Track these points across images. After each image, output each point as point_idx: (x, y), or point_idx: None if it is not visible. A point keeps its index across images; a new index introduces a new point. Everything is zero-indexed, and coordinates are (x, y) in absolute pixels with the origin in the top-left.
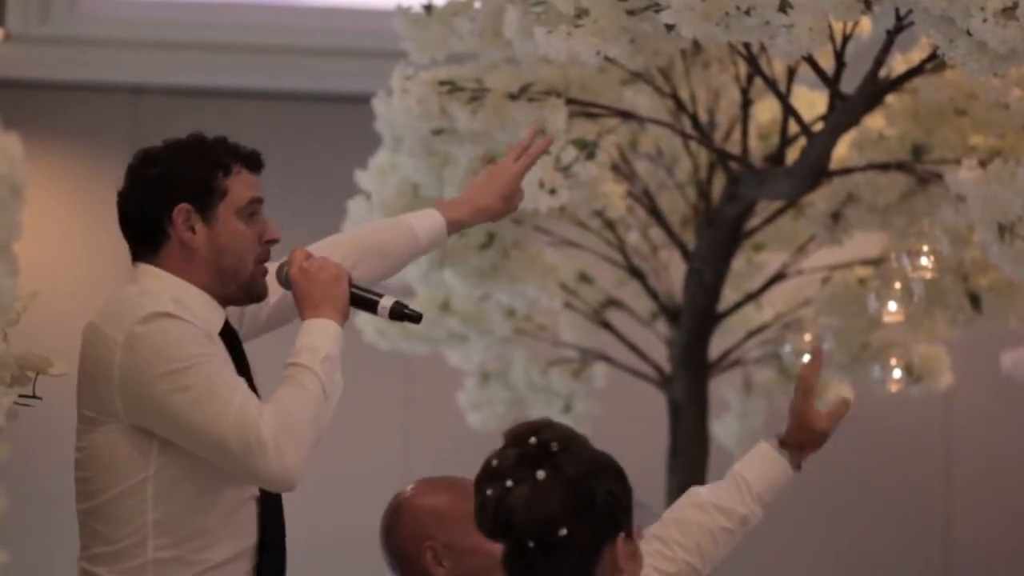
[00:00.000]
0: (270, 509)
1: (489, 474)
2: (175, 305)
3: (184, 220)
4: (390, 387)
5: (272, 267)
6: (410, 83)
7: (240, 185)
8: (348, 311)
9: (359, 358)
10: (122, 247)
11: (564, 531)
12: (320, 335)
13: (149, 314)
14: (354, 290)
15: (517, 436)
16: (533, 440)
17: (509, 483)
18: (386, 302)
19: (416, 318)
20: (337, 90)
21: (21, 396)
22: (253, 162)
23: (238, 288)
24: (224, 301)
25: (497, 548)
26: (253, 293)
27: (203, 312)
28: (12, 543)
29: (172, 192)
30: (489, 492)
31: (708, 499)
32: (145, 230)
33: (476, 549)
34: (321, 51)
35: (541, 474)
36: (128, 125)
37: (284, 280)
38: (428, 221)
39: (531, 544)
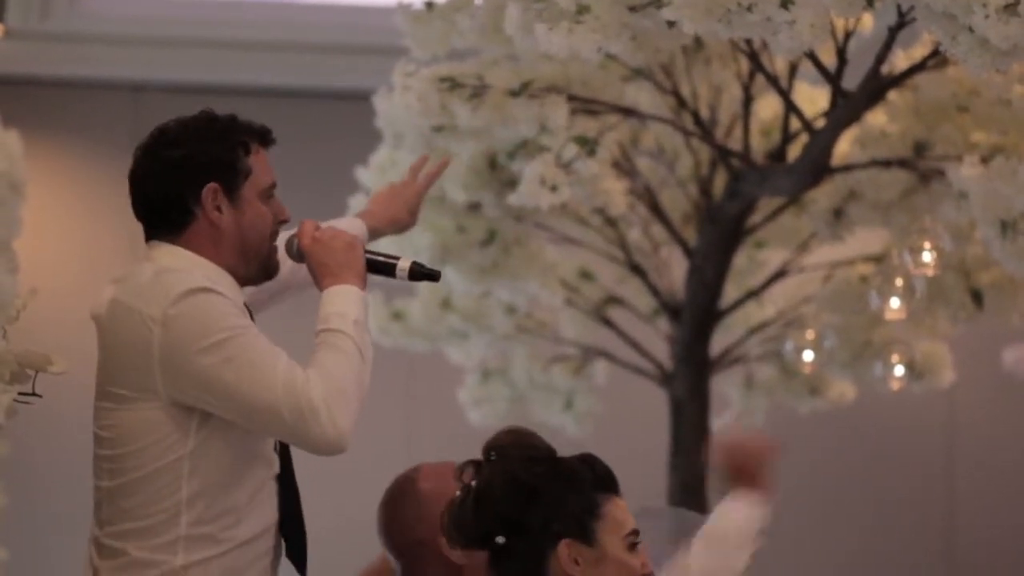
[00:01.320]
0: (288, 488)
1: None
2: (208, 281)
3: (212, 200)
4: (392, 384)
5: (280, 242)
6: (411, 80)
7: (260, 165)
8: (366, 277)
9: None
10: (122, 243)
11: (501, 539)
12: (346, 300)
13: (186, 290)
14: (369, 255)
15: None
16: (485, 449)
17: (458, 492)
18: (404, 263)
19: (435, 276)
20: (338, 87)
21: (20, 394)
22: (268, 139)
23: (258, 266)
24: (242, 281)
25: None
26: (270, 271)
27: (230, 289)
28: (11, 540)
29: (199, 172)
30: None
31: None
32: (169, 211)
33: None
34: (322, 48)
35: (473, 483)
36: (129, 122)
37: (296, 253)
38: (355, 230)
39: (488, 551)
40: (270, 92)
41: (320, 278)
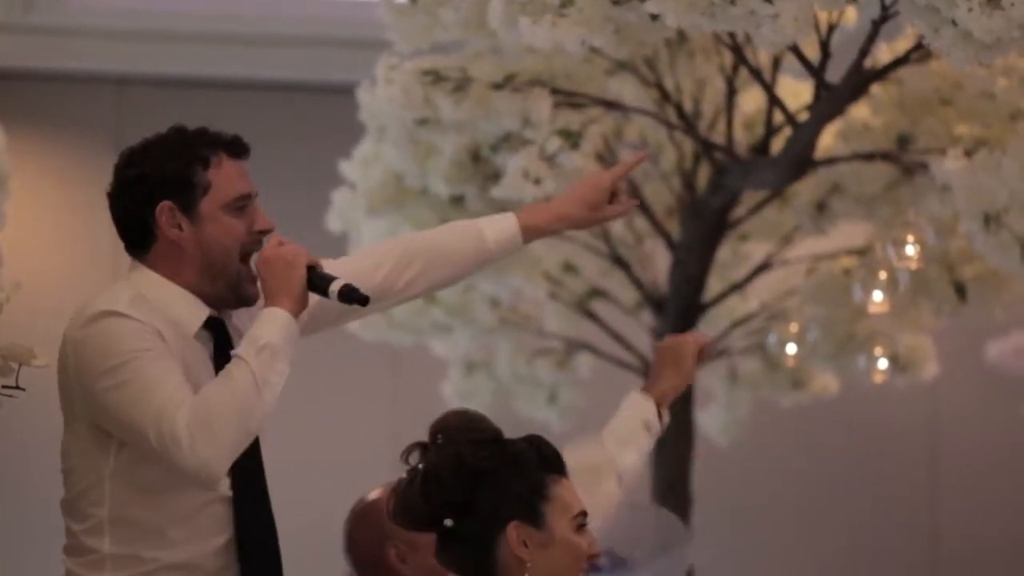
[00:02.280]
0: (247, 509)
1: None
2: (128, 303)
3: (168, 218)
4: (376, 378)
5: None
6: (394, 73)
7: (224, 178)
8: (304, 297)
9: (345, 349)
10: (106, 238)
11: (449, 521)
12: (265, 324)
13: (93, 314)
14: (310, 275)
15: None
16: (432, 432)
17: (403, 478)
18: (335, 286)
19: (363, 301)
20: (321, 80)
21: (4, 387)
22: (235, 149)
23: (225, 285)
24: (213, 300)
25: None
26: (239, 293)
27: (176, 309)
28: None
29: (153, 191)
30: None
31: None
32: (133, 230)
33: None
34: (305, 41)
35: (420, 466)
36: (112, 115)
37: (257, 272)
38: (500, 225)
39: (438, 533)
40: (253, 86)
41: (265, 297)
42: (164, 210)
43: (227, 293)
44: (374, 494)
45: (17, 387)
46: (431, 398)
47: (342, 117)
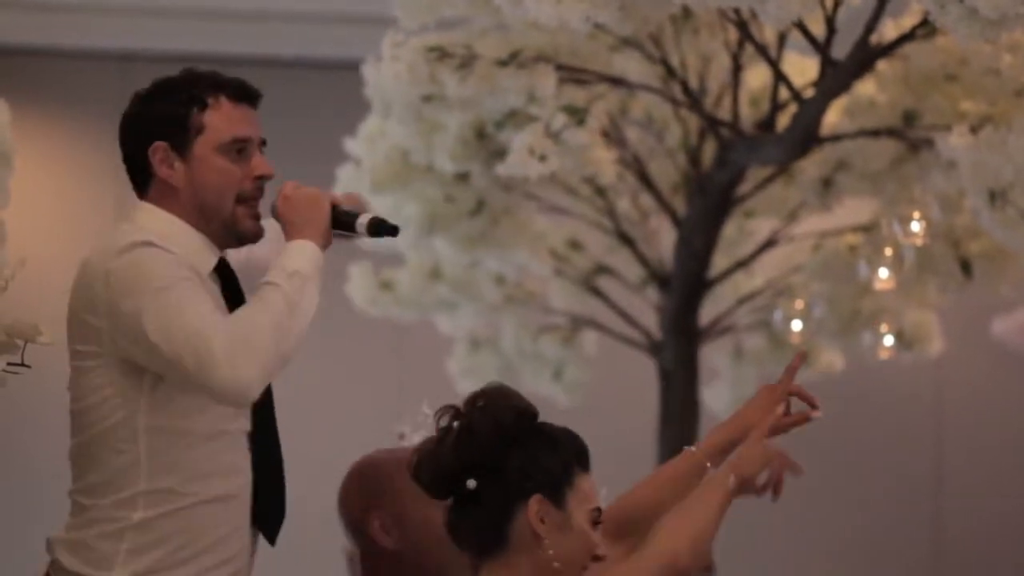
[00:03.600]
0: (263, 447)
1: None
2: (158, 237)
3: (161, 158)
4: (381, 354)
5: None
6: (400, 50)
7: (220, 120)
8: (329, 233)
9: (351, 326)
10: (111, 214)
11: (472, 483)
12: (294, 254)
13: (127, 244)
14: (335, 211)
15: (466, 398)
16: (471, 397)
17: (433, 435)
18: (363, 218)
19: (394, 230)
20: (326, 56)
21: (9, 364)
22: (237, 92)
23: (220, 226)
24: (217, 241)
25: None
26: (237, 232)
27: (191, 248)
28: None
29: (148, 130)
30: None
31: None
32: (134, 169)
33: (427, 521)
34: (311, 17)
35: (455, 425)
36: (116, 92)
37: (274, 212)
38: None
39: (449, 500)
40: (259, 62)
41: (286, 233)
42: (158, 150)
43: (223, 232)
44: (376, 455)
45: (23, 364)
46: (436, 375)
47: (347, 93)
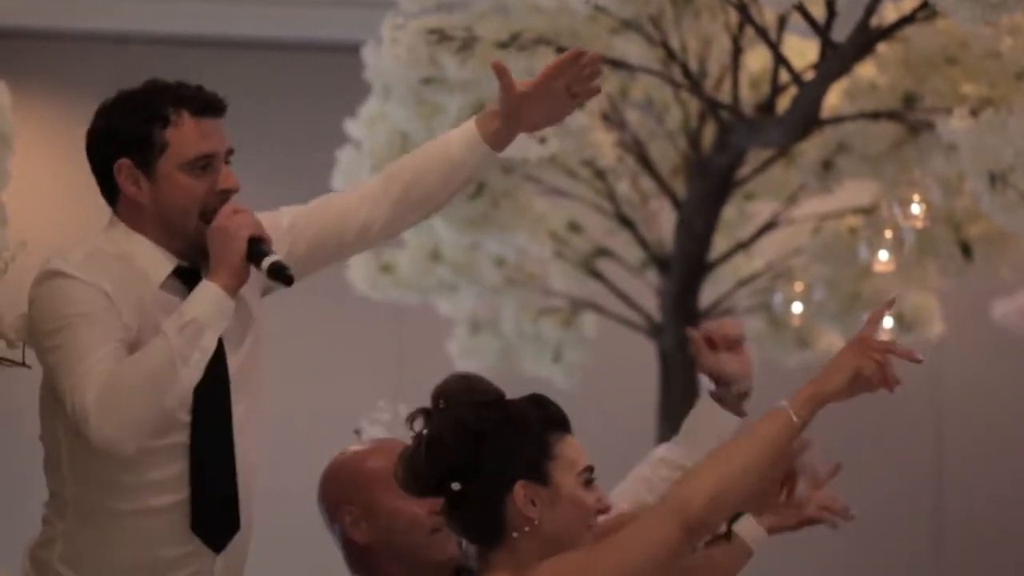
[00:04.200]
0: (207, 460)
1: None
2: (79, 260)
3: (126, 176)
4: (381, 337)
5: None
6: (400, 32)
7: (184, 137)
8: (241, 270)
9: (351, 308)
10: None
11: (456, 485)
12: (195, 299)
13: (43, 274)
14: (252, 247)
15: (432, 393)
16: (434, 396)
17: (409, 440)
18: (266, 262)
19: (288, 281)
20: (327, 39)
21: (11, 363)
22: (200, 106)
23: (185, 243)
24: (185, 255)
25: (416, 509)
26: (202, 248)
27: (141, 260)
28: None
29: (112, 147)
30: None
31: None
32: (100, 183)
33: (396, 511)
34: (310, 0)
35: (424, 432)
36: (112, 74)
37: None
38: (463, 131)
39: (443, 499)
40: (257, 44)
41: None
42: (123, 168)
43: (188, 249)
44: (352, 450)
45: (23, 364)
46: (437, 357)
47: (347, 76)
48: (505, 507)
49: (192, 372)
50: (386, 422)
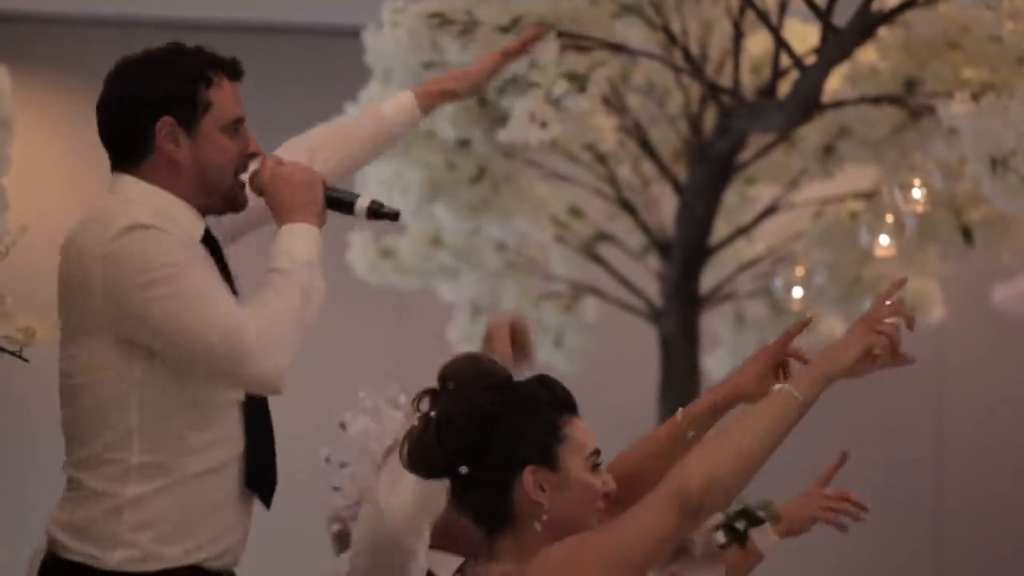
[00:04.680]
0: (254, 417)
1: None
2: (155, 216)
3: (167, 134)
4: (382, 322)
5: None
6: (400, 16)
7: (224, 98)
8: (325, 215)
9: (351, 293)
10: (108, 180)
11: (464, 469)
12: (299, 239)
13: (125, 226)
14: (329, 192)
15: (438, 374)
16: (440, 378)
17: (415, 422)
18: (362, 202)
19: (394, 215)
20: (328, 23)
21: (10, 353)
22: (234, 71)
23: (220, 199)
24: (205, 211)
25: None
26: (235, 204)
27: (183, 221)
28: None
29: (155, 105)
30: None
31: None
32: (128, 143)
33: None
34: None
35: (432, 414)
36: (114, 59)
37: (257, 187)
38: (398, 98)
39: (447, 480)
40: (259, 28)
41: (278, 214)
42: (165, 125)
43: (221, 204)
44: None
45: (21, 357)
46: (437, 342)
47: (348, 60)
48: (513, 491)
49: (316, 309)
50: (370, 410)
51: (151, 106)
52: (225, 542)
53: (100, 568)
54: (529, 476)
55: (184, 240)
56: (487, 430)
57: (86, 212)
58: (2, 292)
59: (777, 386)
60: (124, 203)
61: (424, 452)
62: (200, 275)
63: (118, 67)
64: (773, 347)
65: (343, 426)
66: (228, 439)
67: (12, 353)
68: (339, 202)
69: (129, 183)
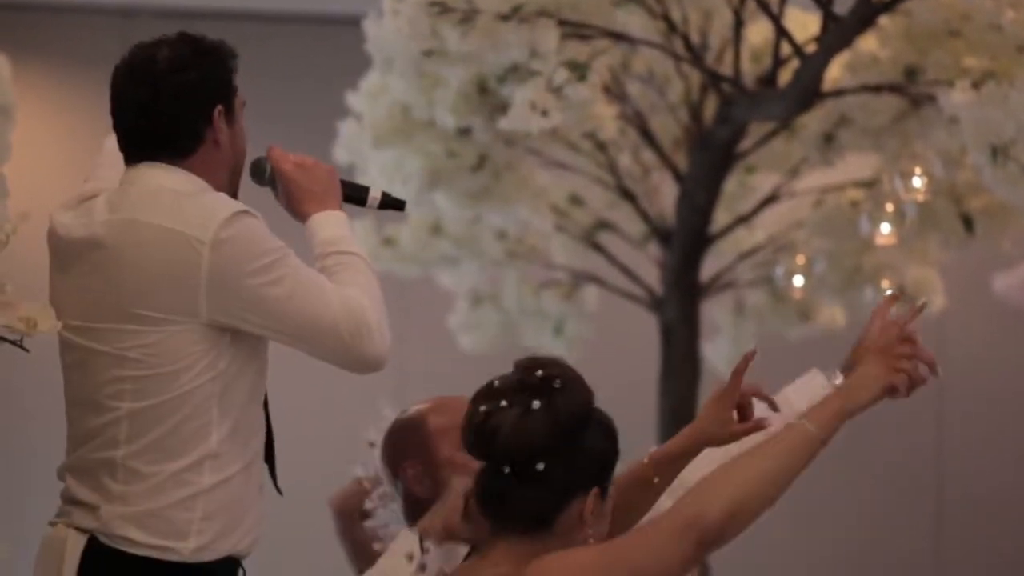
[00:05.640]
0: (266, 409)
1: (487, 392)
2: (241, 204)
3: (221, 121)
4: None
5: None
6: (401, 4)
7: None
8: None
9: None
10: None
11: (541, 466)
12: (345, 226)
13: (234, 212)
14: (344, 185)
15: (526, 365)
16: (540, 372)
17: (503, 403)
18: (375, 192)
19: (401, 205)
20: (328, 11)
21: (10, 342)
22: (234, 55)
23: (237, 184)
24: None
25: (475, 465)
26: (235, 193)
27: None
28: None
29: (211, 95)
30: (482, 408)
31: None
32: (180, 134)
33: (458, 467)
34: None
35: (536, 403)
36: (118, 47)
37: (268, 176)
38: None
39: (506, 469)
40: (260, 17)
41: (304, 202)
42: (220, 113)
43: (233, 192)
44: (414, 408)
45: (22, 347)
46: (437, 330)
47: (349, 49)
48: (569, 506)
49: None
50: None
51: (209, 95)
52: (258, 530)
53: (174, 561)
54: (592, 500)
55: None
56: (583, 435)
57: (157, 200)
58: (2, 281)
59: (796, 422)
60: (197, 192)
61: (519, 439)
62: (299, 260)
63: (155, 61)
64: (729, 388)
65: (372, 445)
66: (262, 428)
67: (13, 343)
68: (353, 197)
69: (180, 175)
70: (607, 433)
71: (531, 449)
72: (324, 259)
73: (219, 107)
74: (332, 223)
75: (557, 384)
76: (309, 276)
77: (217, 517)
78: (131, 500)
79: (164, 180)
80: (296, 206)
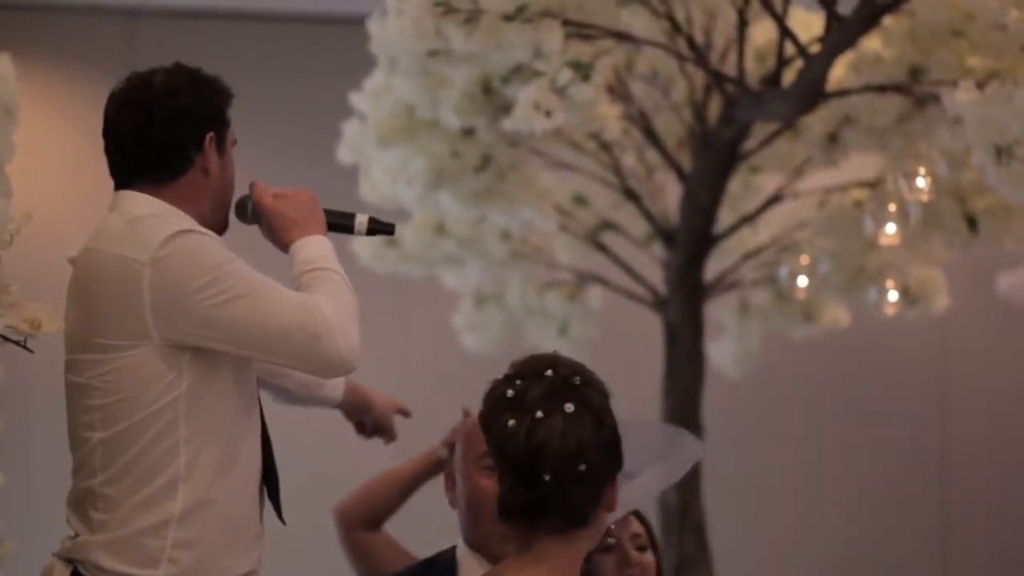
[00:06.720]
0: (264, 433)
1: (510, 404)
2: (190, 224)
3: (211, 148)
4: (387, 310)
5: None
6: (405, 4)
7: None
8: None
9: (355, 280)
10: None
11: (583, 466)
12: (324, 248)
13: (174, 232)
14: (329, 213)
15: (530, 368)
16: (550, 373)
17: (539, 414)
18: (361, 218)
19: (390, 230)
20: (332, 11)
21: (15, 343)
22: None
23: (223, 217)
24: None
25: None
26: (226, 223)
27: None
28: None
29: (204, 121)
30: (512, 423)
31: None
32: (168, 159)
33: (468, 476)
34: None
35: (570, 407)
36: (122, 47)
37: (251, 213)
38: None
39: (547, 477)
40: (264, 17)
41: (286, 231)
42: (211, 140)
43: (222, 224)
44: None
45: (25, 347)
46: (441, 330)
47: (353, 48)
48: (603, 496)
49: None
50: None
51: (202, 121)
52: (253, 554)
53: None
54: (615, 484)
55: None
56: (611, 422)
57: (97, 231)
58: (6, 281)
59: None
60: (153, 215)
61: (566, 445)
62: (247, 270)
63: (149, 86)
64: None
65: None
66: (256, 450)
67: (17, 343)
68: (338, 221)
69: (146, 200)
70: (612, 413)
71: (579, 452)
72: (300, 278)
73: (211, 134)
74: (310, 245)
75: (577, 381)
76: (261, 283)
77: (193, 546)
78: (108, 528)
79: (131, 208)
80: (279, 236)
